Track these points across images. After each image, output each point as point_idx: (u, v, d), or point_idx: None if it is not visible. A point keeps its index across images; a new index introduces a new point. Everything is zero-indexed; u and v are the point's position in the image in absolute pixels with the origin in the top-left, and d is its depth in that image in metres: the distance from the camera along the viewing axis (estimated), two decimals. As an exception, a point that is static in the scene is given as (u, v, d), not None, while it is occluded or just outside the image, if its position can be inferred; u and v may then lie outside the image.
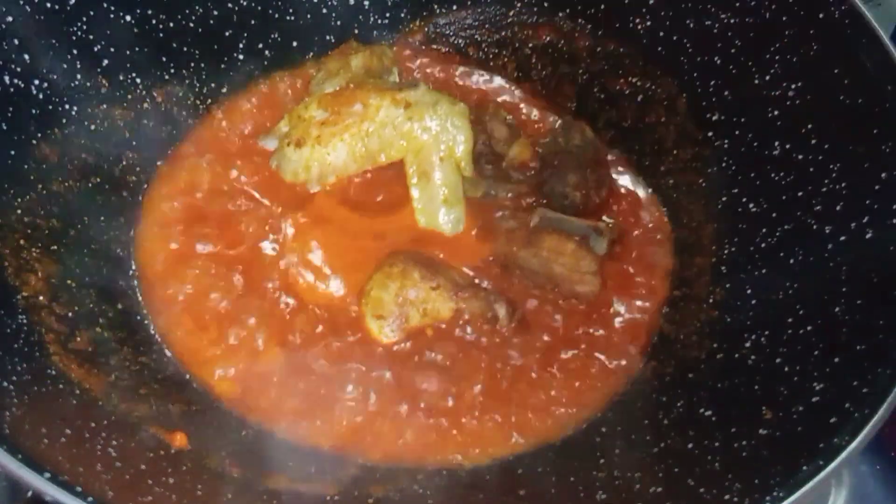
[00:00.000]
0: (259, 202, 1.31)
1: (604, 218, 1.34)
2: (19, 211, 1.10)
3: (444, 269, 1.23)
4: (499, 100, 1.52)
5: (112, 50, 1.26)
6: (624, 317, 1.26)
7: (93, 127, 1.24)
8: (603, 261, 1.27)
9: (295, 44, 1.49)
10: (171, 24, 1.33)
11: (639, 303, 1.28)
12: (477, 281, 1.25)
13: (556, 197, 1.33)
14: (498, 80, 1.54)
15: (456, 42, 1.57)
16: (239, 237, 1.27)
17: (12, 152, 1.11)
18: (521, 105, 1.52)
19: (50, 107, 1.17)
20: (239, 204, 1.30)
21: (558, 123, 1.45)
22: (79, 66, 1.21)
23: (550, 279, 1.24)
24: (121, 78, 1.29)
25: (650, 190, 1.42)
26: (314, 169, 1.31)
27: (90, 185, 1.23)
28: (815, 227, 1.12)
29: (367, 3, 1.52)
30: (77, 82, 1.21)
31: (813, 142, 1.15)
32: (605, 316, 1.26)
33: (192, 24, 1.36)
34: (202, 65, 1.40)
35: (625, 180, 1.43)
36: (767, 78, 1.23)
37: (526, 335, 1.22)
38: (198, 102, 1.41)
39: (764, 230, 1.19)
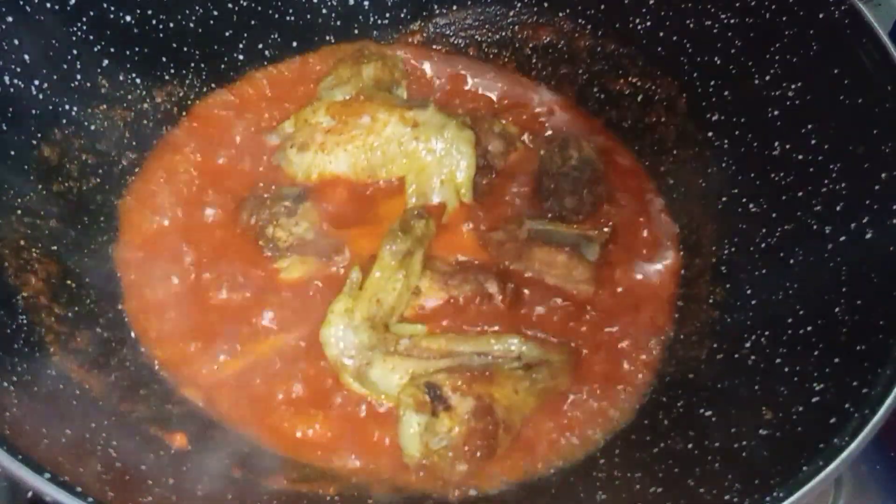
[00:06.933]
0: (258, 200, 1.31)
1: (604, 229, 1.34)
2: (19, 211, 1.10)
3: (427, 262, 1.23)
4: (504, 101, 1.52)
5: (112, 50, 1.26)
6: (631, 317, 1.26)
7: (93, 127, 1.25)
8: (604, 264, 1.28)
9: (295, 44, 1.49)
10: (171, 24, 1.34)
11: (646, 304, 1.28)
12: (463, 259, 1.25)
13: (554, 216, 1.33)
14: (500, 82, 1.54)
15: (456, 42, 1.57)
16: (236, 238, 1.26)
17: (12, 152, 1.11)
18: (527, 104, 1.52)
19: (50, 107, 1.17)
20: (239, 203, 1.30)
21: (556, 139, 1.44)
22: (79, 66, 1.21)
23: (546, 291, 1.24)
24: (121, 78, 1.29)
25: (654, 189, 1.42)
26: (314, 174, 1.32)
27: (90, 185, 1.23)
28: (815, 227, 1.12)
29: (367, 3, 1.52)
30: (77, 82, 1.21)
31: (813, 142, 1.15)
32: (610, 317, 1.25)
33: (192, 24, 1.36)
34: (202, 65, 1.40)
35: (627, 181, 1.42)
36: (767, 78, 1.23)
37: (521, 307, 1.22)
38: (198, 102, 1.41)
39: (764, 230, 1.19)
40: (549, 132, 1.47)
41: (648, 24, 1.40)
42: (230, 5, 1.40)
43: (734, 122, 1.30)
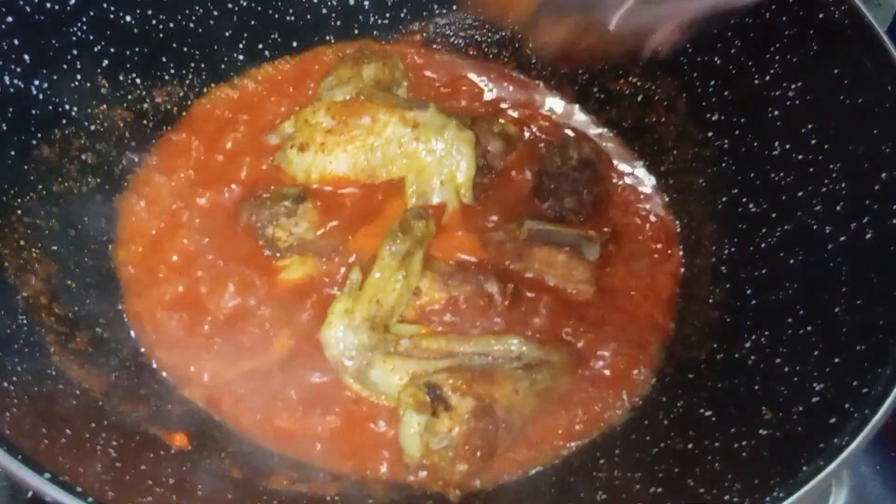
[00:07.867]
0: (258, 200, 1.31)
1: (604, 229, 1.33)
2: (19, 211, 1.10)
3: (427, 262, 1.23)
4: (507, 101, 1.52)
5: (112, 50, 1.26)
6: (631, 317, 1.26)
7: (93, 127, 1.25)
8: (605, 265, 1.28)
9: (295, 44, 1.49)
10: (171, 24, 1.34)
11: (646, 304, 1.28)
12: (463, 259, 1.25)
13: (554, 216, 1.33)
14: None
15: (456, 42, 1.57)
16: (236, 238, 1.26)
17: (12, 152, 1.11)
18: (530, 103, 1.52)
19: (50, 107, 1.17)
20: (239, 202, 1.30)
21: (556, 139, 1.44)
22: (79, 66, 1.21)
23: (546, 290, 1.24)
24: (121, 78, 1.29)
25: (654, 189, 1.42)
26: (314, 175, 1.32)
27: (90, 185, 1.23)
28: (815, 227, 1.12)
29: (367, 3, 1.52)
30: (77, 82, 1.21)
31: (813, 142, 1.15)
32: (610, 317, 1.25)
33: (192, 24, 1.36)
34: (202, 65, 1.40)
35: (629, 180, 1.42)
36: (767, 78, 1.23)
37: (521, 307, 1.22)
38: (198, 102, 1.41)
39: (764, 230, 1.19)
40: (549, 132, 1.47)
41: (648, 24, 1.40)
42: (230, 5, 1.40)
43: (734, 122, 1.30)
